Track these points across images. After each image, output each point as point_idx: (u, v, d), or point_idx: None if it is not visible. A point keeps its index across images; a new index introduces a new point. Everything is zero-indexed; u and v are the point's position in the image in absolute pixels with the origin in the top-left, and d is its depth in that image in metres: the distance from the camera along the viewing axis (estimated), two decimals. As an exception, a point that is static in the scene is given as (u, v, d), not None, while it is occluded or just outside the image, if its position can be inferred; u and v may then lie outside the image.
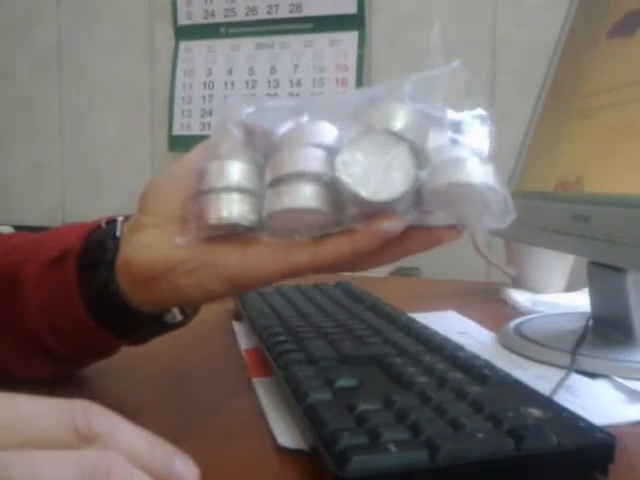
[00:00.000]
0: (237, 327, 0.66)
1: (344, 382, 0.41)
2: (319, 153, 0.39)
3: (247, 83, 1.89)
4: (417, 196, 0.37)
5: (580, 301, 0.75)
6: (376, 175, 0.37)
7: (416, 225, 0.38)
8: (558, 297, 0.81)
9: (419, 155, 0.37)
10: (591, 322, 0.61)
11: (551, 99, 0.75)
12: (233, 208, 0.40)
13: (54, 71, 2.16)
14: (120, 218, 0.46)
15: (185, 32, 1.97)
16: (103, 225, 0.47)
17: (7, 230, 1.60)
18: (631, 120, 0.56)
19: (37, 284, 0.46)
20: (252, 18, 1.88)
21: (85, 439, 0.23)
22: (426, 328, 0.55)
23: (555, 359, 0.53)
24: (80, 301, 0.45)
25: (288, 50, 1.84)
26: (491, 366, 0.43)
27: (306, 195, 0.38)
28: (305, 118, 0.41)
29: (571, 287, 0.85)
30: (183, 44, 1.97)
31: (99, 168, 2.12)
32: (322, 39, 1.80)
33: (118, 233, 0.45)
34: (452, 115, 0.40)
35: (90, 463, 0.21)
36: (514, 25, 1.68)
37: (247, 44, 1.88)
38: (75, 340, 0.46)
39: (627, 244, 0.50)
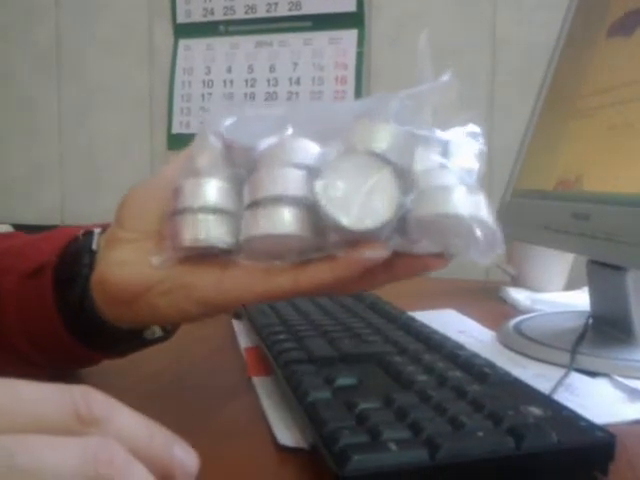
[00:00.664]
0: (236, 326, 0.66)
1: (344, 381, 0.41)
2: (299, 175, 0.37)
3: (246, 81, 1.89)
4: (402, 222, 0.36)
5: (580, 300, 0.75)
6: (358, 201, 0.35)
7: (401, 252, 0.37)
8: (558, 296, 0.81)
9: (404, 178, 0.36)
10: (591, 321, 0.61)
11: (551, 98, 0.75)
12: (209, 229, 0.38)
13: (53, 70, 2.15)
14: (97, 230, 0.45)
15: (184, 30, 1.96)
16: (80, 237, 0.46)
17: (6, 229, 1.60)
18: (631, 119, 0.56)
19: (15, 296, 0.45)
20: (251, 16, 1.87)
21: (86, 423, 0.23)
22: (426, 326, 0.55)
23: (555, 358, 0.53)
24: (57, 315, 0.44)
25: (287, 48, 1.84)
26: (491, 365, 0.43)
27: (284, 220, 0.36)
28: (288, 131, 0.39)
29: (570, 286, 0.86)
30: (182, 42, 1.97)
31: (98, 167, 2.12)
32: (321, 37, 1.80)
33: (94, 246, 0.44)
34: (441, 134, 0.38)
35: (92, 451, 0.21)
36: (514, 25, 1.68)
37: (246, 42, 1.88)
38: (54, 352, 0.46)
39: (627, 243, 0.50)
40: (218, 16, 1.91)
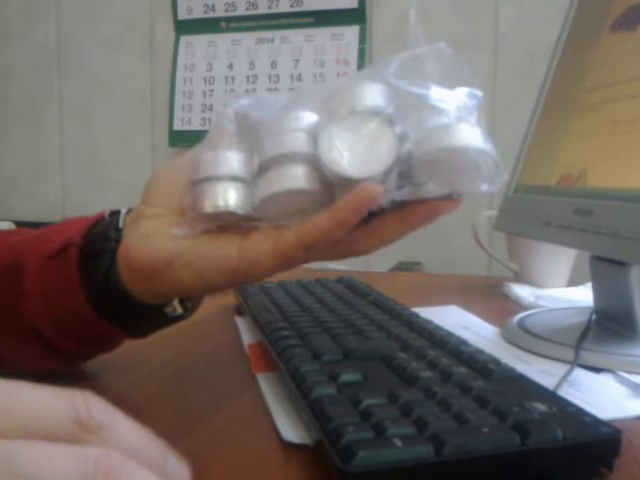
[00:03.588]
0: (240, 322, 0.66)
1: (348, 377, 0.41)
2: (302, 135, 0.39)
3: (248, 78, 1.89)
4: (407, 171, 0.37)
5: (583, 296, 0.75)
6: (358, 152, 0.37)
7: (411, 200, 0.38)
8: (561, 292, 0.80)
9: (399, 126, 0.37)
10: (594, 317, 0.61)
11: (554, 93, 0.75)
12: (228, 197, 0.40)
13: (54, 67, 2.15)
14: (124, 210, 0.47)
15: (185, 27, 1.96)
16: (106, 217, 0.47)
17: (7, 226, 1.60)
18: (635, 114, 0.56)
19: (39, 276, 0.46)
20: (253, 12, 1.87)
21: (86, 428, 0.23)
22: (429, 323, 0.55)
23: (559, 354, 0.53)
24: (81, 291, 0.45)
25: (289, 45, 1.84)
26: (495, 361, 0.43)
27: (294, 176, 0.38)
28: (296, 106, 0.41)
29: (573, 282, 0.85)
30: (183, 39, 1.96)
31: (99, 164, 2.12)
32: (323, 34, 1.80)
33: (121, 224, 0.46)
34: (438, 92, 0.39)
35: (93, 461, 0.21)
36: (515, 20, 1.67)
37: (248, 39, 1.88)
38: (76, 332, 0.46)
39: (630, 238, 0.50)
40: (219, 12, 1.91)
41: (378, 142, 0.37)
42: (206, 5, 1.92)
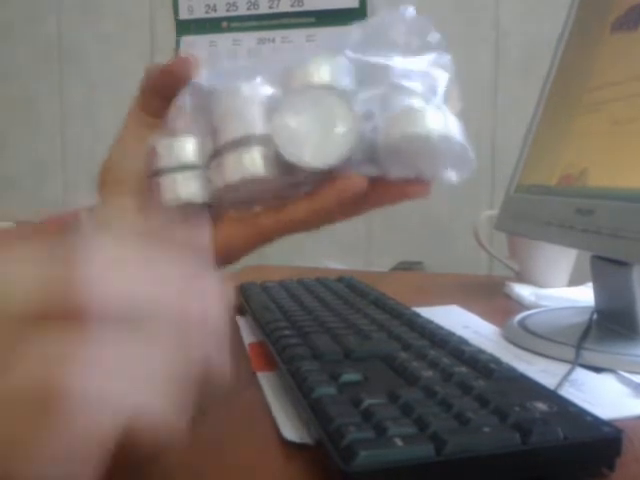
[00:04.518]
0: (240, 322, 0.66)
1: (349, 377, 0.41)
2: (256, 114, 0.37)
3: (249, 78, 1.89)
4: (372, 151, 0.36)
5: (584, 295, 0.75)
6: (315, 136, 0.35)
7: (377, 178, 0.36)
8: (562, 291, 0.80)
9: (360, 104, 0.35)
10: (595, 316, 0.61)
11: (555, 93, 0.74)
12: (189, 187, 0.39)
13: (55, 67, 2.15)
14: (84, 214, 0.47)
15: (186, 26, 1.96)
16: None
17: (8, 226, 1.60)
18: (636, 114, 0.56)
19: None
20: (254, 12, 1.87)
21: None
22: (430, 322, 0.55)
23: (560, 353, 0.53)
24: None
25: (290, 44, 1.84)
26: (496, 360, 0.43)
27: (250, 164, 0.36)
28: (258, 80, 0.39)
29: (574, 281, 0.85)
30: (184, 39, 1.96)
31: (100, 163, 2.12)
32: (324, 33, 1.80)
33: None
34: (402, 63, 0.37)
35: None
36: (517, 17, 1.67)
37: (249, 38, 1.88)
38: None
39: (632, 238, 0.50)
40: (220, 12, 1.91)
41: (335, 122, 0.35)
42: (207, 5, 1.92)
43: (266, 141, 0.36)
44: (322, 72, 0.36)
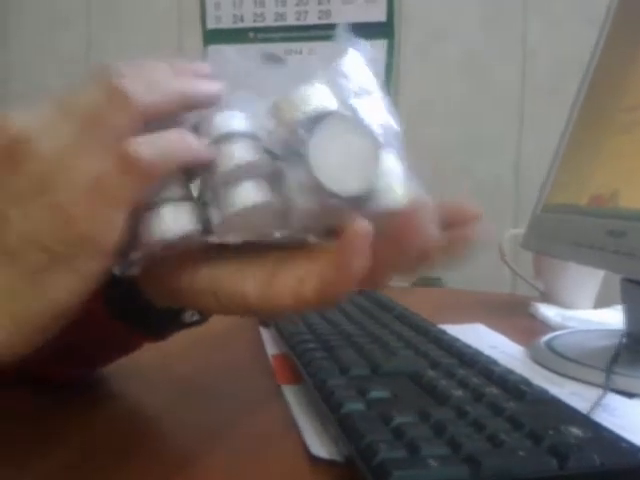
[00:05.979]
0: (264, 333, 0.66)
1: (377, 393, 0.40)
2: (247, 145, 0.35)
3: (273, 89, 1.90)
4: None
5: (611, 318, 0.74)
6: (347, 163, 0.33)
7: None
8: (588, 313, 0.79)
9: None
10: (625, 340, 0.59)
11: (586, 112, 0.74)
12: (176, 220, 0.34)
13: (83, 79, 2.18)
14: None
15: (214, 36, 1.98)
16: None
17: None
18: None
19: None
20: (281, 24, 1.88)
21: None
22: (457, 340, 0.54)
23: (589, 377, 0.52)
24: (99, 297, 0.44)
25: (315, 56, 1.85)
26: (527, 382, 0.43)
27: (246, 194, 0.34)
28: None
29: (599, 303, 0.84)
30: (212, 48, 1.98)
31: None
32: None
33: None
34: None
35: None
36: (544, 36, 1.67)
37: (276, 49, 1.89)
38: (89, 332, 0.43)
39: (665, 261, 0.49)
40: (248, 23, 1.92)
41: (359, 150, 0.33)
42: (235, 15, 1.93)
43: (250, 168, 0.34)
44: (323, 99, 0.35)
